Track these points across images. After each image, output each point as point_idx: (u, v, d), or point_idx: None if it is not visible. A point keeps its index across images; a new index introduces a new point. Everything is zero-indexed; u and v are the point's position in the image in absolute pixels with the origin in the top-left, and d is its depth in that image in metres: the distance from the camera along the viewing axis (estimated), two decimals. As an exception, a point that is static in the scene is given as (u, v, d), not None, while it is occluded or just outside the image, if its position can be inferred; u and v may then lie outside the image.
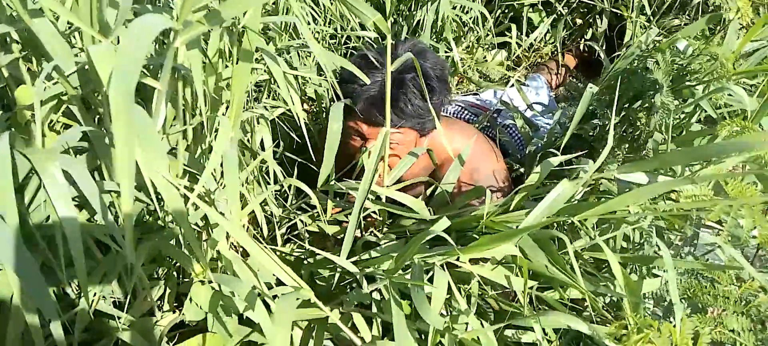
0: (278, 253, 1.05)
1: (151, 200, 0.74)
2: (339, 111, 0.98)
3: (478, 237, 0.93)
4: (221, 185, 0.82)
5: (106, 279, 0.80)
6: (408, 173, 1.26)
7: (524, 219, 0.86)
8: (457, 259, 0.85)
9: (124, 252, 0.79)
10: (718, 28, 1.22)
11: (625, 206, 0.80)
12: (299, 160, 1.23)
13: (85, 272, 0.57)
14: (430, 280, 0.82)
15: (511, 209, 0.94)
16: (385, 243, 0.97)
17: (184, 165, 0.86)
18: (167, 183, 0.62)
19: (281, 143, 1.36)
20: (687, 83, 1.13)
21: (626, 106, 1.27)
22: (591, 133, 1.35)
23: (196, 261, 0.78)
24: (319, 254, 0.86)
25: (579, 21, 2.31)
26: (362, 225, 1.16)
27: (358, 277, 0.86)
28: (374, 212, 1.11)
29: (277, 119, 1.07)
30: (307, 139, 1.11)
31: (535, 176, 0.95)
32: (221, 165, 0.71)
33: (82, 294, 0.61)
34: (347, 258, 0.86)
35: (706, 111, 1.19)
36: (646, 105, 1.23)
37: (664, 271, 0.87)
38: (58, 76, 0.69)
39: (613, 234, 0.90)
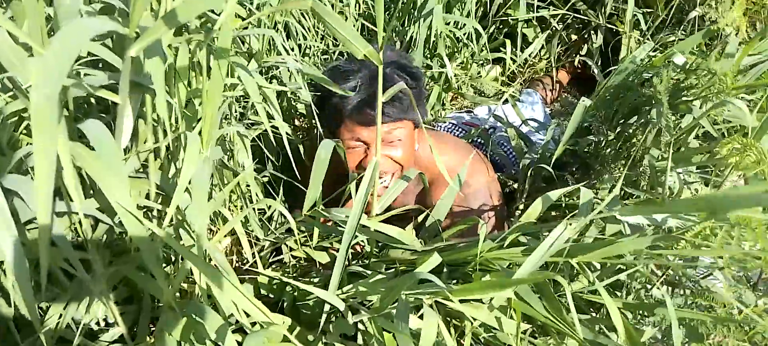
0: (259, 278, 1.00)
1: (111, 222, 0.69)
2: (330, 146, 0.96)
3: (471, 272, 0.89)
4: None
5: (71, 306, 0.75)
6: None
7: (520, 257, 0.82)
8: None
9: (91, 278, 0.74)
10: (715, 42, 1.19)
11: (627, 251, 0.76)
12: (284, 179, 1.19)
13: (32, 299, 0.52)
14: (421, 316, 0.78)
15: (506, 244, 0.89)
16: (372, 274, 0.92)
17: (157, 184, 0.82)
18: (126, 205, 0.57)
19: (271, 161, 1.31)
20: (684, 98, 1.09)
21: (622, 121, 1.24)
22: (586, 149, 1.31)
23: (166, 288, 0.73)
24: (302, 287, 0.81)
25: (574, 37, 2.29)
26: (349, 254, 1.11)
27: (342, 310, 0.82)
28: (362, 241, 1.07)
29: (270, 136, 1.03)
30: (292, 160, 1.07)
31: (534, 209, 0.90)
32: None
33: (33, 322, 0.57)
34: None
35: (702, 126, 1.15)
36: (642, 120, 1.20)
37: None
38: (17, 90, 0.65)
39: (612, 279, 0.85)
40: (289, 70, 1.53)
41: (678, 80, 1.14)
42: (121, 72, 0.62)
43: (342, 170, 1.16)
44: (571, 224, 0.78)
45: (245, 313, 0.83)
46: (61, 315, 0.77)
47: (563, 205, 1.29)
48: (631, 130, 1.16)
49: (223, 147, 1.02)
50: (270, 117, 1.00)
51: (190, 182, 0.66)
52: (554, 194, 0.91)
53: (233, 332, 0.74)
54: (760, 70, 1.05)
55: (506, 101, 1.89)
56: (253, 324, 0.80)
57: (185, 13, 0.48)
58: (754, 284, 0.94)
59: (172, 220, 0.77)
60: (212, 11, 0.80)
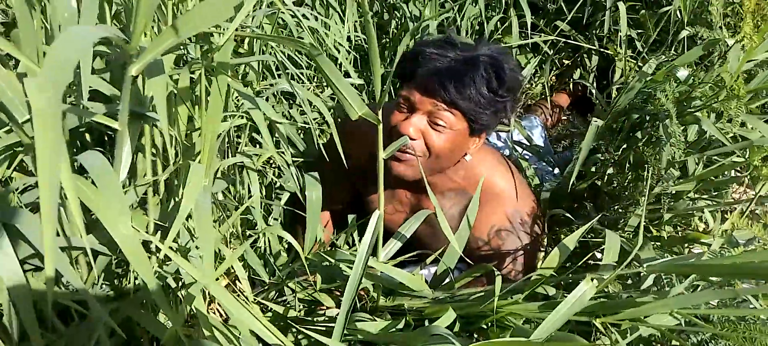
0: (263, 310, 0.96)
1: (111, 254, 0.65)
2: (315, 179, 0.91)
3: (486, 327, 0.83)
4: (195, 239, 0.74)
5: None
6: (443, 184, 1.17)
7: (537, 313, 0.76)
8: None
9: (92, 319, 0.69)
10: (717, 55, 1.18)
11: (659, 311, 0.70)
12: (293, 210, 1.14)
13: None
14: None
15: (523, 297, 0.83)
16: (381, 324, 0.86)
17: (156, 220, 0.78)
18: (128, 237, 0.54)
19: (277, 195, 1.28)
20: (689, 110, 1.08)
21: (627, 138, 1.22)
22: (593, 169, 1.29)
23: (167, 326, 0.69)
24: (306, 332, 0.76)
25: (566, 62, 2.30)
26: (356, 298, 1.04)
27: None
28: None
29: (285, 165, 0.99)
30: (298, 189, 1.02)
31: (551, 259, 0.86)
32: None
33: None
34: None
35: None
36: (648, 137, 1.18)
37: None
38: (12, 123, 0.62)
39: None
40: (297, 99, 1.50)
41: (682, 93, 1.13)
42: (119, 102, 0.59)
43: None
44: (593, 280, 0.71)
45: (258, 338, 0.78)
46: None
47: (589, 242, 1.23)
48: (639, 146, 1.14)
49: (227, 179, 0.99)
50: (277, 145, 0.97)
51: (190, 214, 0.62)
52: (571, 241, 0.86)
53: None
54: (765, 76, 1.04)
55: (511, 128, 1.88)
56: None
57: (187, 28, 0.46)
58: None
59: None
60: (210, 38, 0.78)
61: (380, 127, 0.74)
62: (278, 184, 1.31)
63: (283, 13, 1.08)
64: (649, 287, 0.78)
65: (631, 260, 0.68)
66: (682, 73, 1.11)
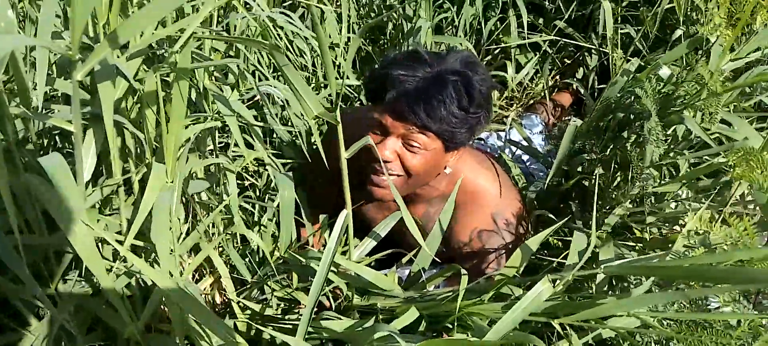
0: (241, 307, 0.97)
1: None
2: (287, 179, 0.91)
3: (451, 326, 0.83)
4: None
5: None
6: (427, 192, 1.18)
7: (500, 313, 0.75)
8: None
9: (56, 315, 0.72)
10: (701, 53, 1.17)
11: (620, 312, 0.69)
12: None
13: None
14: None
15: (488, 297, 0.83)
16: (344, 321, 0.87)
17: (128, 219, 0.80)
18: (80, 235, 0.55)
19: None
20: (673, 109, 1.07)
21: (613, 137, 1.21)
22: (579, 169, 1.29)
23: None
24: (268, 330, 0.78)
25: (567, 61, 2.28)
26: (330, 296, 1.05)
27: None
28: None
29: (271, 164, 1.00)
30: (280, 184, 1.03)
31: (514, 260, 0.86)
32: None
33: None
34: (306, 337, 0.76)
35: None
36: (634, 136, 1.17)
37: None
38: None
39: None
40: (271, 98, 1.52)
41: (666, 93, 1.12)
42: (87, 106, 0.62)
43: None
44: (554, 280, 0.70)
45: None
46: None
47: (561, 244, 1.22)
48: (623, 145, 1.13)
49: (211, 179, 1.00)
50: (250, 146, 0.99)
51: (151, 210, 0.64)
52: (534, 243, 0.86)
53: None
54: (749, 75, 1.03)
55: (511, 127, 1.87)
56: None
57: (128, 31, 0.47)
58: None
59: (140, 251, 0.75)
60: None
61: (340, 128, 0.75)
62: (273, 184, 1.33)
63: (264, 19, 1.10)
64: (612, 289, 0.78)
65: (584, 260, 0.68)
66: (665, 71, 1.10)
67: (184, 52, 0.66)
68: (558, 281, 0.71)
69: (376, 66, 1.08)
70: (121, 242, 0.81)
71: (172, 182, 0.71)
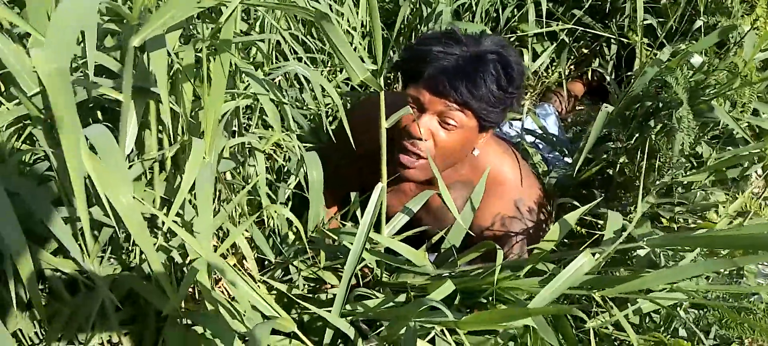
0: (268, 288, 0.97)
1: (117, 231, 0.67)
2: (315, 158, 0.91)
3: (486, 301, 0.84)
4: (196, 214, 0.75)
5: (72, 323, 0.72)
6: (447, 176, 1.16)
7: (537, 287, 0.76)
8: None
9: (94, 290, 0.72)
10: (733, 43, 1.15)
11: (657, 284, 0.69)
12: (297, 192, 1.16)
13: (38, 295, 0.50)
14: (431, 341, 0.74)
15: (523, 273, 0.84)
16: (382, 299, 0.87)
17: (162, 196, 0.79)
18: (129, 207, 0.55)
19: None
20: (703, 98, 1.06)
21: (639, 126, 1.20)
22: (604, 157, 1.28)
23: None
24: (308, 308, 0.77)
25: (585, 50, 2.27)
26: (359, 275, 1.06)
27: (351, 337, 0.78)
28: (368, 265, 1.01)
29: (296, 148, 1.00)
30: (308, 168, 1.03)
31: (551, 235, 0.86)
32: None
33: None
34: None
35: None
36: (662, 125, 1.16)
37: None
38: (20, 95, 0.64)
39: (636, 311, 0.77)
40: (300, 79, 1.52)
41: (697, 82, 1.11)
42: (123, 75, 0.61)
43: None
44: (594, 255, 0.72)
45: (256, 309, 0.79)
46: (60, 336, 0.74)
47: (593, 223, 1.22)
48: (651, 135, 1.12)
49: (235, 159, 1.00)
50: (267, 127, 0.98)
51: (193, 188, 0.63)
52: (572, 218, 0.86)
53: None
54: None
55: (526, 115, 1.87)
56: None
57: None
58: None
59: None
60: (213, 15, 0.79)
61: (382, 94, 0.75)
62: (286, 168, 1.32)
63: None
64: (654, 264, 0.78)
65: (628, 233, 0.68)
66: (697, 59, 1.09)
67: (227, 25, 0.65)
68: (598, 255, 0.71)
69: (411, 44, 1.07)
70: (154, 219, 0.81)
71: (211, 159, 0.70)
